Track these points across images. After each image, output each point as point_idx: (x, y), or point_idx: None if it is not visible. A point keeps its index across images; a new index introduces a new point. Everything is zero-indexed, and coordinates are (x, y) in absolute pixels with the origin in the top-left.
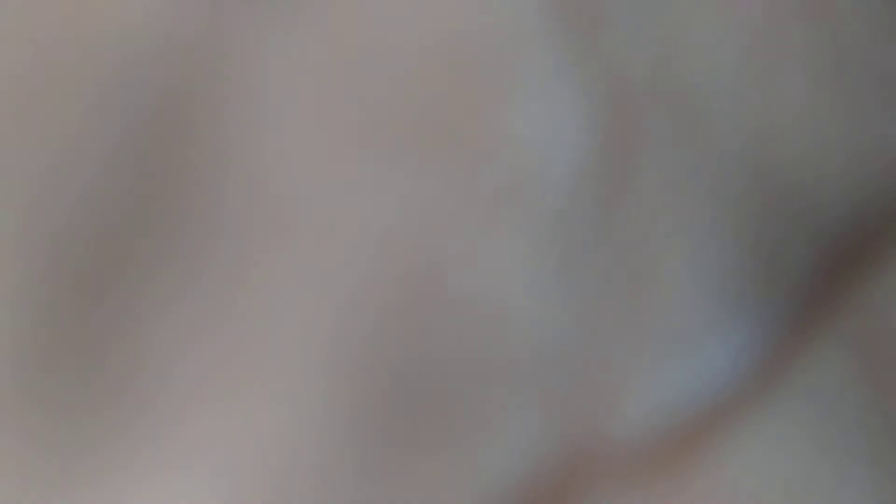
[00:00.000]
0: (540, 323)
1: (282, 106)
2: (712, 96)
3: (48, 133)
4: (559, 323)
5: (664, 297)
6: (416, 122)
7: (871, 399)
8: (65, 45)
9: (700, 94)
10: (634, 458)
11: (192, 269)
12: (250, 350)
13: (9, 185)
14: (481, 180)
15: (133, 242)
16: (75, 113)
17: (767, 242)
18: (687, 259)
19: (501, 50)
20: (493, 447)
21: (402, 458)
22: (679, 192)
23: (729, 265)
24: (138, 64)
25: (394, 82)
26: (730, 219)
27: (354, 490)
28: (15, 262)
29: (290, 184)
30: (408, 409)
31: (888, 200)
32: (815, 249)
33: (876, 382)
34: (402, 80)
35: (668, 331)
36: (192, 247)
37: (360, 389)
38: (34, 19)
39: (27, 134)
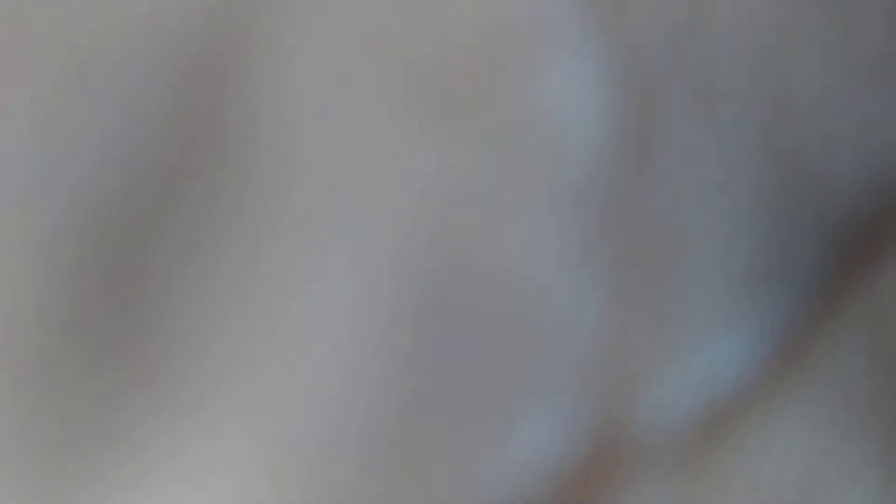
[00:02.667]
0: (568, 299)
1: (313, 72)
2: (729, 80)
3: (79, 101)
4: (586, 303)
5: (684, 280)
6: (444, 93)
7: (883, 387)
8: (90, 15)
9: (717, 78)
10: (656, 445)
11: (225, 233)
12: (282, 313)
13: (36, 148)
14: (508, 153)
15: (162, 211)
16: (102, 82)
17: (783, 226)
18: (705, 242)
19: (526, 25)
20: (518, 427)
21: (428, 430)
22: (697, 174)
23: (746, 249)
24: (164, 31)
25: (423, 54)
26: (746, 202)
27: (384, 459)
28: (47, 227)
29: (321, 151)
30: (435, 381)
31: None
32: (829, 234)
33: (888, 370)
34: (431, 52)
35: (688, 316)
36: (224, 213)
37: (388, 356)
38: None
39: (58, 105)
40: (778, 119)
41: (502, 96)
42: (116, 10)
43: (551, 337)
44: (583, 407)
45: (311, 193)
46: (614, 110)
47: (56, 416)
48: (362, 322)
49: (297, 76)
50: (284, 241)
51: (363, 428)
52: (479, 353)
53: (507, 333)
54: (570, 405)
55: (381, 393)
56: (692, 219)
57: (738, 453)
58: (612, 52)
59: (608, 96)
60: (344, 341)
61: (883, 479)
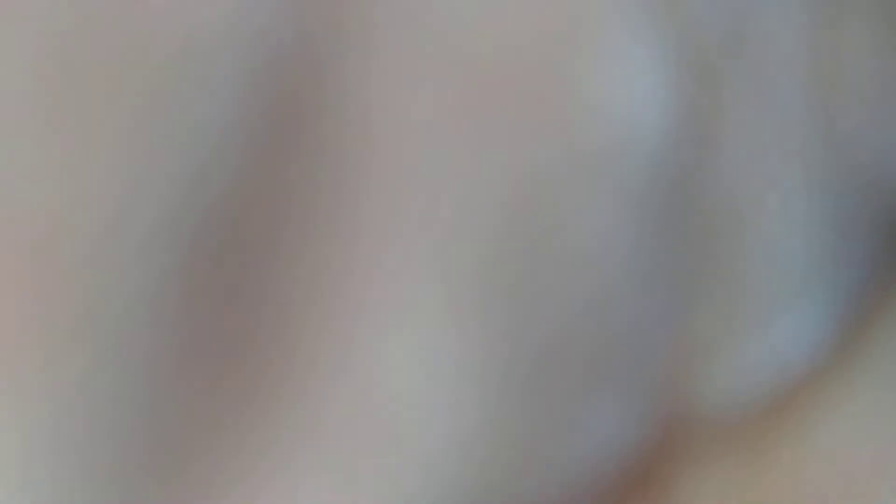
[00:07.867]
0: (637, 284)
1: (392, 65)
2: (787, 65)
3: (176, 98)
4: (654, 287)
5: (748, 262)
6: (513, 85)
7: None
8: (181, 11)
9: (775, 64)
10: (724, 425)
11: (312, 225)
12: (371, 302)
13: (134, 147)
14: (575, 143)
15: (262, 207)
16: (196, 79)
17: (844, 207)
18: (769, 224)
19: (589, 15)
20: (589, 409)
21: (504, 415)
22: (759, 159)
23: (808, 231)
24: (255, 25)
25: (492, 47)
26: (807, 185)
27: (462, 445)
28: (151, 225)
29: (402, 145)
30: (512, 367)
31: None
32: (884, 222)
33: None
34: (500, 45)
35: (754, 298)
36: (310, 204)
37: (469, 347)
38: None
39: (155, 102)
40: (835, 103)
41: (568, 86)
42: (206, 6)
43: (621, 321)
44: (652, 388)
45: (390, 189)
46: (678, 98)
47: (163, 420)
48: (446, 314)
49: (380, 69)
50: (372, 235)
51: (444, 414)
52: (553, 339)
53: (578, 319)
54: (640, 387)
55: (462, 379)
56: (755, 202)
57: (806, 432)
58: (674, 39)
59: (672, 84)
60: (430, 331)
61: None
